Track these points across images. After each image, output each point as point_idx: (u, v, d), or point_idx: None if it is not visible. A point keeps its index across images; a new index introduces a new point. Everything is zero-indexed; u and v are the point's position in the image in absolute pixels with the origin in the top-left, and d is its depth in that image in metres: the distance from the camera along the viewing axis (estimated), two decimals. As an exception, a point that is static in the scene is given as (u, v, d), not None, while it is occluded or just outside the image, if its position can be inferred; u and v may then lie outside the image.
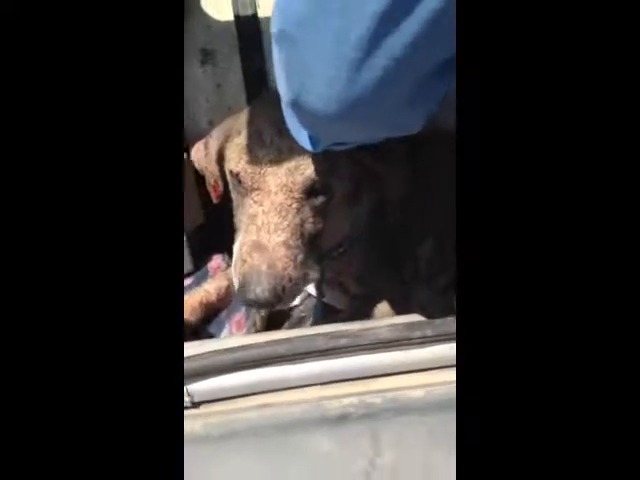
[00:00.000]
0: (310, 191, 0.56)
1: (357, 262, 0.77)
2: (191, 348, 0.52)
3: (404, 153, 0.63)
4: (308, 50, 0.37)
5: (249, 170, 0.57)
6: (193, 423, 0.50)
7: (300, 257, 0.55)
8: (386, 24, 0.34)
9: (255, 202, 0.56)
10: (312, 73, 0.38)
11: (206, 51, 0.93)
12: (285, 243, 0.54)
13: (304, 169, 0.56)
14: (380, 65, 0.36)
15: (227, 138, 0.62)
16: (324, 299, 0.80)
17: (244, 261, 0.54)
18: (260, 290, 0.52)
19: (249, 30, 0.92)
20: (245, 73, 0.93)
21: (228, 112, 0.93)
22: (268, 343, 0.51)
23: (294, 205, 0.55)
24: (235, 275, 0.56)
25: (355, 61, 0.36)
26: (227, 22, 0.93)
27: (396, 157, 0.60)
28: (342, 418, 0.49)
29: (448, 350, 0.52)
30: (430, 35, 0.35)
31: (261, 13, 0.93)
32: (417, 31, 0.35)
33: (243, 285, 0.53)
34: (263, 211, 0.55)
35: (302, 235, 0.56)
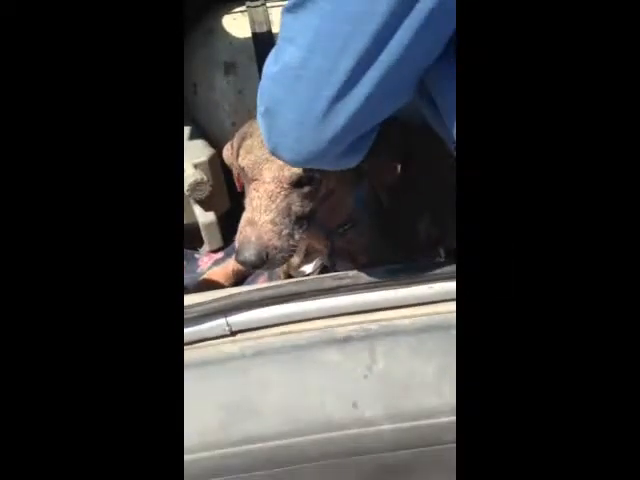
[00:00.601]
0: (297, 183, 0.71)
1: (362, 237, 0.91)
2: (229, 290, 0.67)
3: (392, 140, 0.77)
4: (283, 120, 0.54)
5: (251, 165, 0.72)
6: (232, 346, 0.65)
7: (285, 232, 0.69)
8: (335, 103, 0.51)
9: (254, 189, 0.71)
10: (286, 135, 0.55)
11: (228, 64, 1.09)
12: (272, 221, 0.69)
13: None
14: (332, 131, 0.53)
15: (242, 140, 0.77)
16: (335, 267, 0.94)
17: (240, 233, 0.70)
18: (248, 255, 0.67)
19: (265, 44, 1.07)
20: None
21: (248, 114, 1.09)
22: (288, 284, 0.66)
23: (282, 192, 0.70)
24: (236, 243, 0.71)
25: (315, 127, 0.53)
26: (246, 38, 1.09)
27: (380, 149, 0.71)
28: (347, 339, 0.64)
29: (427, 289, 0.66)
30: (369, 107, 0.52)
31: (274, 29, 1.08)
32: (359, 106, 0.51)
33: (238, 250, 0.69)
34: (258, 196, 0.70)
35: (289, 215, 0.71)
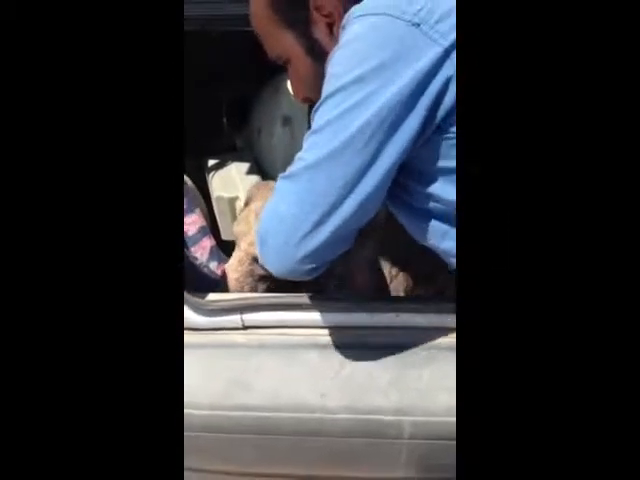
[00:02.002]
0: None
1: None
2: (247, 294, 0.89)
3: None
4: (269, 246, 0.67)
5: (236, 233, 1.03)
6: (242, 337, 0.87)
7: (246, 288, 0.96)
8: (308, 237, 0.64)
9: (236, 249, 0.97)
10: (271, 257, 0.68)
11: (286, 117, 1.35)
12: (237, 279, 0.98)
13: None
14: (306, 255, 0.65)
15: (247, 202, 1.05)
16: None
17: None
18: None
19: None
20: (312, 134, 1.33)
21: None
22: (292, 297, 0.88)
23: (248, 261, 0.97)
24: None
25: (292, 254, 0.65)
26: (303, 98, 1.34)
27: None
28: (325, 345, 0.84)
29: (394, 317, 0.85)
30: (342, 234, 0.65)
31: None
32: (330, 235, 0.64)
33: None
34: (233, 256, 0.99)
35: (252, 276, 0.97)
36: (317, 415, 0.81)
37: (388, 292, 1.00)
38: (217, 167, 1.35)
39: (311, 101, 0.77)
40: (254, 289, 0.95)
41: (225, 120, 1.55)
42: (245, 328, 0.88)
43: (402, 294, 1.05)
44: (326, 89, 0.64)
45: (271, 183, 1.08)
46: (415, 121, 0.61)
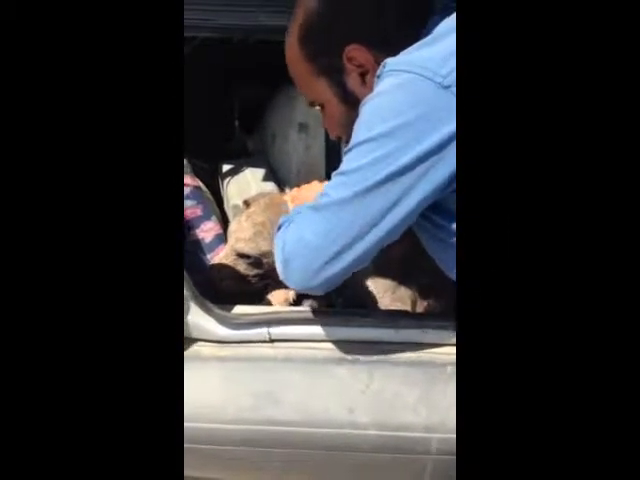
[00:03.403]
0: (242, 255, 1.00)
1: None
2: (276, 308, 0.90)
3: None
4: (292, 268, 0.72)
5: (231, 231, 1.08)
6: (269, 350, 0.87)
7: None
8: (328, 264, 0.69)
9: None
10: (293, 277, 0.73)
11: (302, 124, 1.34)
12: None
13: None
14: (326, 279, 0.71)
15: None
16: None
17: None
18: None
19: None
20: (326, 141, 1.33)
21: (310, 167, 1.34)
22: (320, 312, 0.88)
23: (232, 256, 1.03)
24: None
25: (313, 278, 0.71)
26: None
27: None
28: (354, 361, 0.84)
29: (393, 333, 0.86)
30: (360, 263, 0.71)
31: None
32: (349, 264, 0.70)
33: None
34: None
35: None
36: (346, 431, 0.81)
37: (414, 309, 1.01)
38: (232, 173, 1.35)
39: (343, 138, 0.82)
40: (236, 283, 0.99)
41: (237, 123, 1.54)
42: (272, 341, 0.88)
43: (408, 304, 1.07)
44: (357, 135, 0.68)
45: (273, 195, 1.12)
46: (441, 175, 0.65)
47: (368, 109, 0.68)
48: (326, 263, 0.70)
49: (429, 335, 0.85)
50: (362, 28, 0.73)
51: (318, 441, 0.82)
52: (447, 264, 0.77)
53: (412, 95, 0.64)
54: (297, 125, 1.34)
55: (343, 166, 0.69)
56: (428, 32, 0.71)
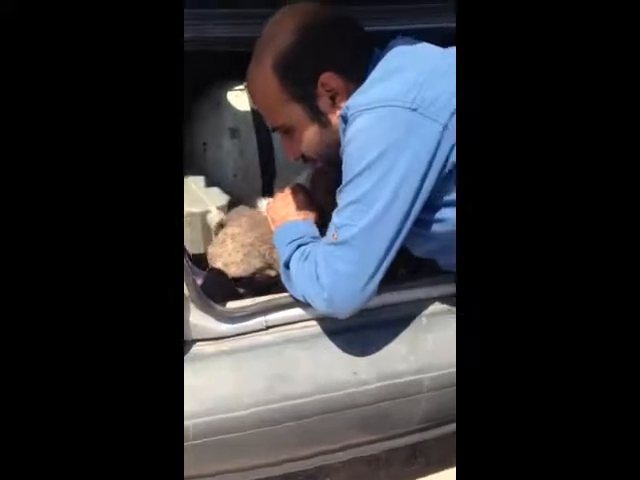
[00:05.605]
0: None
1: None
2: (269, 296, 0.98)
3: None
4: (337, 302, 0.84)
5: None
6: (266, 335, 0.95)
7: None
8: (366, 286, 0.82)
9: None
10: (341, 307, 0.86)
11: (233, 129, 1.41)
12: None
13: None
14: (367, 297, 0.84)
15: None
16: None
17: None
18: None
19: (260, 116, 1.40)
20: (259, 144, 1.41)
21: (246, 170, 1.41)
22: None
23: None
24: None
25: (356, 301, 0.84)
26: (246, 110, 1.41)
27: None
28: (347, 329, 0.96)
29: (376, 300, 1.00)
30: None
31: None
32: (381, 277, 0.83)
33: None
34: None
35: None
36: (350, 390, 0.93)
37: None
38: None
39: (304, 158, 0.95)
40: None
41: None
42: (270, 327, 0.96)
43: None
44: (352, 169, 0.79)
45: (247, 211, 1.19)
46: (432, 180, 0.79)
47: (354, 146, 0.79)
48: (366, 284, 0.81)
49: (404, 294, 0.99)
50: (331, 57, 0.86)
51: (330, 406, 0.93)
52: (418, 250, 0.94)
53: (391, 121, 0.77)
54: (228, 131, 1.41)
55: (348, 197, 0.80)
56: (374, 64, 0.85)
